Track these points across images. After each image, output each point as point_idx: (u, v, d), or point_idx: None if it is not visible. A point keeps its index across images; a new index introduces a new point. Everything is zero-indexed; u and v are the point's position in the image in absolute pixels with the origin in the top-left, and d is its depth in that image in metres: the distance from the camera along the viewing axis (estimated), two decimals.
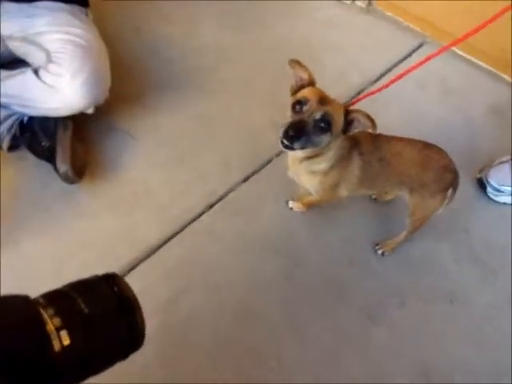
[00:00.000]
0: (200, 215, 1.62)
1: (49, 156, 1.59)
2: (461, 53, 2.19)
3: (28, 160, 1.65)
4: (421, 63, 1.08)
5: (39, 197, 1.60)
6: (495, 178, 1.68)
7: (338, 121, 1.13)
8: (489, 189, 1.70)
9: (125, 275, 1.46)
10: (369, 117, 1.11)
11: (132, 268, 1.48)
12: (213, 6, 2.28)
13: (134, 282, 1.47)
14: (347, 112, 1.14)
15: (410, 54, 2.13)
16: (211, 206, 1.65)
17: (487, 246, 1.62)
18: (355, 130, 1.15)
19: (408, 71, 1.12)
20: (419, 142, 1.32)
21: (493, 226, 1.68)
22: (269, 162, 1.78)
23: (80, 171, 1.64)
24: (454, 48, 2.18)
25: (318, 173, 1.28)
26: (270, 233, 1.61)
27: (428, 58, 1.07)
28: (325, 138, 1.13)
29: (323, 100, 1.11)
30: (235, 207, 1.66)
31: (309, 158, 1.23)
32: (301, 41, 2.21)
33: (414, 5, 2.20)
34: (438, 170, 1.30)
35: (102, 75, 1.56)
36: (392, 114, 1.92)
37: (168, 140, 1.82)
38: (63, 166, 1.56)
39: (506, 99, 2.01)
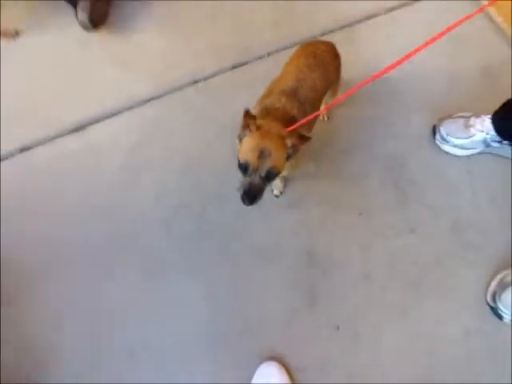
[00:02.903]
0: (184, 86, 1.92)
1: (73, 0, 1.86)
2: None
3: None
4: (455, 25, 1.01)
5: (58, 31, 1.94)
6: (447, 127, 1.80)
7: (282, 159, 1.16)
8: (437, 136, 1.83)
9: (108, 117, 1.82)
10: (303, 137, 1.15)
11: (114, 114, 1.84)
12: None
13: (111, 125, 1.77)
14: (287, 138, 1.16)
15: None
16: (196, 82, 1.93)
17: (413, 184, 1.81)
18: (298, 151, 1.19)
19: (442, 34, 1.04)
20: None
21: (427, 169, 1.83)
22: (260, 57, 2.00)
23: (97, 22, 1.92)
24: None
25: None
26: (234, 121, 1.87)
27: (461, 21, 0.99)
28: (276, 179, 1.20)
29: (262, 154, 1.12)
30: (216, 89, 1.93)
31: None
32: None
33: None
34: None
35: None
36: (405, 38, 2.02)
37: (182, 12, 2.07)
38: (82, 14, 1.85)
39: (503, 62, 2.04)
